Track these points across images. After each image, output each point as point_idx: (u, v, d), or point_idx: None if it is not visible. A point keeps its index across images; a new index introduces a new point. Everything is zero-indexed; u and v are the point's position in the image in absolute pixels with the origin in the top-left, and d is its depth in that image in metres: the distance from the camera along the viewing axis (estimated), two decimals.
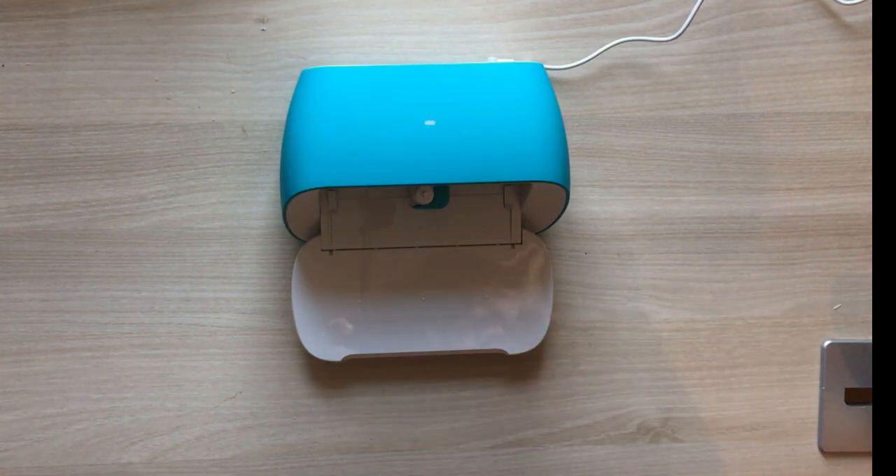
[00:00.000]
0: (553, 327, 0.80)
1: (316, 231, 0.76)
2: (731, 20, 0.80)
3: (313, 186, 0.69)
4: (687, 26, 0.78)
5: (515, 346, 0.78)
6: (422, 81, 0.70)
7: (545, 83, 0.72)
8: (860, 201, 0.82)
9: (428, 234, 0.77)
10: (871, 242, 0.82)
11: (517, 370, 0.81)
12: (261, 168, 0.78)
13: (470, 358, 0.80)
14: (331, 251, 0.76)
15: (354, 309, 0.76)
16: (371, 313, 0.77)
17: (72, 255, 0.77)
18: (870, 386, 0.83)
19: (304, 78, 0.71)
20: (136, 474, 0.79)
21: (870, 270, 0.82)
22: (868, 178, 0.82)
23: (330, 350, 0.76)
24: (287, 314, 0.78)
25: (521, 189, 0.77)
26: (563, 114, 0.74)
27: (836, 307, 0.83)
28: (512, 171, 0.69)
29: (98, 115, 0.77)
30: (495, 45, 0.78)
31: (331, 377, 0.79)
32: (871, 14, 0.80)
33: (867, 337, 0.83)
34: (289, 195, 0.70)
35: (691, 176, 0.81)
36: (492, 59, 0.77)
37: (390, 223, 0.77)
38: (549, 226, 0.78)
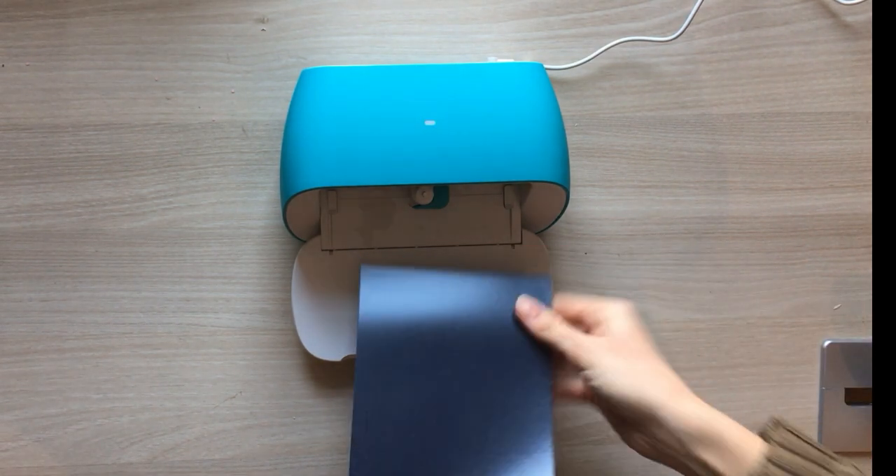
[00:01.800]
0: None
1: (316, 231, 0.76)
2: (731, 20, 0.80)
3: (313, 186, 0.69)
4: (687, 26, 0.78)
5: None
6: (422, 81, 0.70)
7: (545, 83, 0.72)
8: (860, 201, 0.82)
9: (428, 234, 0.77)
10: (871, 242, 0.82)
11: None
12: (261, 168, 0.78)
13: None
14: (331, 251, 0.76)
15: (354, 309, 0.76)
16: None
17: (72, 255, 0.77)
18: (870, 386, 0.83)
19: (304, 78, 0.71)
20: (136, 474, 0.79)
21: (870, 270, 0.82)
22: (868, 178, 0.82)
23: (330, 350, 0.76)
24: (287, 314, 0.78)
25: (521, 189, 0.77)
26: (563, 114, 0.74)
27: (836, 307, 0.83)
28: (512, 171, 0.69)
29: (98, 115, 0.77)
30: (495, 45, 0.78)
31: (331, 377, 0.79)
32: (871, 14, 0.80)
33: (867, 337, 0.83)
34: (289, 195, 0.70)
35: (691, 176, 0.81)
36: (492, 59, 0.77)
37: (390, 223, 0.77)
38: (549, 226, 0.78)
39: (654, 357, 0.66)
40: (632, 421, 0.65)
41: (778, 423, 0.64)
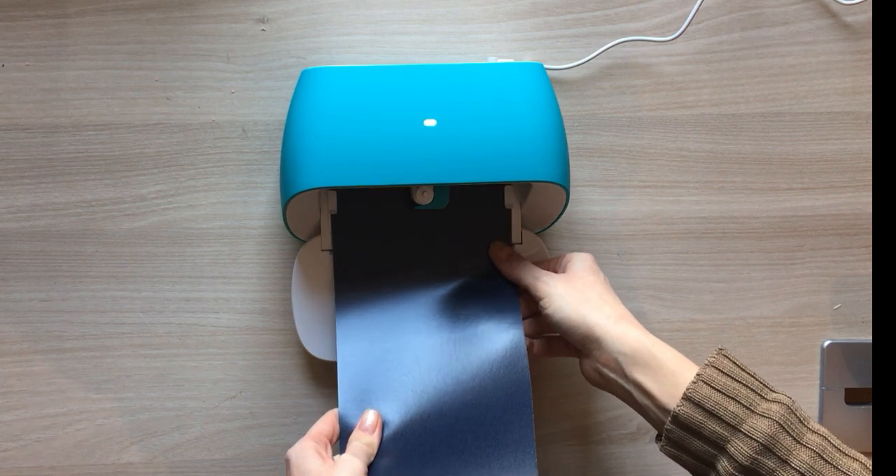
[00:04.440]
0: None
1: (316, 231, 0.76)
2: (731, 20, 0.80)
3: (313, 186, 0.69)
4: (687, 26, 0.78)
5: None
6: (422, 81, 0.70)
7: (545, 83, 0.72)
8: (860, 201, 0.82)
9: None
10: (871, 242, 0.82)
11: None
12: (261, 168, 0.78)
13: None
14: (331, 251, 0.76)
15: None
16: None
17: (72, 255, 0.77)
18: (870, 386, 0.83)
19: (304, 78, 0.71)
20: (136, 474, 0.79)
21: (870, 270, 0.82)
22: (868, 178, 0.82)
23: (330, 350, 0.76)
24: (287, 314, 0.78)
25: (521, 189, 0.77)
26: (563, 114, 0.74)
27: (836, 307, 0.83)
28: (512, 171, 0.69)
29: (98, 115, 0.77)
30: (495, 45, 0.78)
31: (331, 377, 0.79)
32: (871, 14, 0.80)
33: (867, 337, 0.83)
34: (289, 195, 0.70)
35: (691, 176, 0.81)
36: (492, 59, 0.77)
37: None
38: (549, 226, 0.78)
39: (605, 289, 0.70)
40: (579, 345, 0.69)
41: (720, 352, 0.65)
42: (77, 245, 0.77)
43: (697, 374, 0.63)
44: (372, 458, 0.68)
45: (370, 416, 0.69)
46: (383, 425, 0.69)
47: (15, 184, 0.77)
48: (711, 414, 0.62)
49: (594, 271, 0.72)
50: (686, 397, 0.63)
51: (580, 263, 0.72)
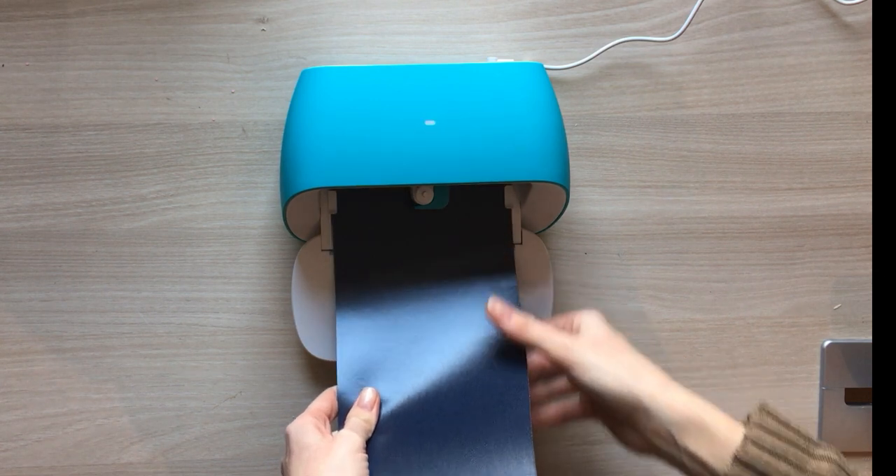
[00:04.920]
0: None
1: (316, 231, 0.76)
2: (731, 20, 0.80)
3: (313, 186, 0.69)
4: (687, 26, 0.78)
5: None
6: (422, 81, 0.70)
7: (545, 83, 0.72)
8: (860, 201, 0.82)
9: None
10: (871, 242, 0.82)
11: None
12: (261, 168, 0.78)
13: None
14: (331, 251, 0.76)
15: None
16: None
17: (72, 255, 0.77)
18: (870, 386, 0.83)
19: (304, 78, 0.71)
20: (136, 474, 0.79)
21: (870, 270, 0.82)
22: (868, 178, 0.82)
23: (330, 350, 0.76)
24: (287, 314, 0.78)
25: (521, 189, 0.77)
26: (563, 114, 0.74)
27: (836, 307, 0.83)
28: (512, 171, 0.69)
29: (98, 115, 0.77)
30: (495, 45, 0.78)
31: (331, 377, 0.79)
32: (871, 14, 0.80)
33: (867, 337, 0.83)
34: (289, 195, 0.70)
35: (691, 176, 0.81)
36: (492, 59, 0.77)
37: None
38: (549, 226, 0.78)
39: (635, 354, 0.68)
40: (622, 416, 0.66)
41: (762, 409, 0.65)
42: (77, 245, 0.77)
43: (744, 436, 0.63)
44: (370, 435, 0.68)
45: (368, 394, 0.69)
46: (381, 403, 0.70)
47: (15, 184, 0.77)
48: (763, 475, 0.61)
49: (613, 331, 0.69)
50: (737, 460, 0.62)
51: (595, 322, 0.69)
